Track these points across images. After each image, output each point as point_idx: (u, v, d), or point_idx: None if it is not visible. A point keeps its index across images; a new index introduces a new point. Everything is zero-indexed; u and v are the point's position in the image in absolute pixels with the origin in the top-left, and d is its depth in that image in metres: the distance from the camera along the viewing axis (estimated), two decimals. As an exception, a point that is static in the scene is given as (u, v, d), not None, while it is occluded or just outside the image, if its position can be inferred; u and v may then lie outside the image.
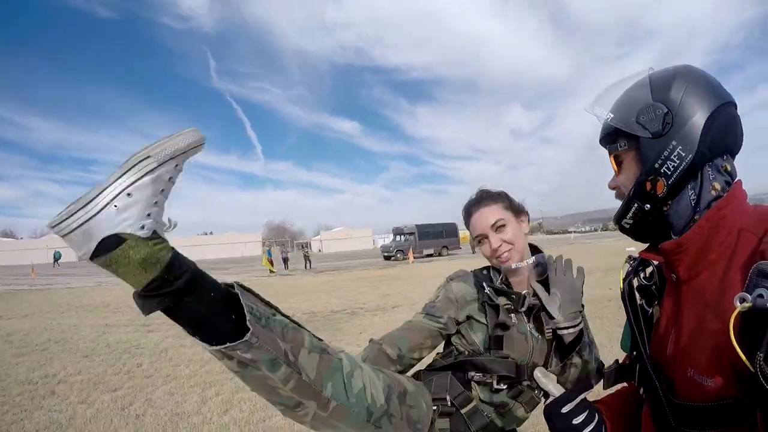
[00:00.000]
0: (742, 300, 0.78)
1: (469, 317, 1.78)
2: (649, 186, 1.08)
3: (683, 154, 1.04)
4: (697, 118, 1.03)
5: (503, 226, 1.73)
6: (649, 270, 1.25)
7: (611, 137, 1.19)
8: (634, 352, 1.21)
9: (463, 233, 42.43)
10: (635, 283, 1.27)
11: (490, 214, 1.74)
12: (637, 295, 1.26)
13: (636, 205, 1.12)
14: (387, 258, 38.32)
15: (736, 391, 0.89)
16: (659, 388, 1.07)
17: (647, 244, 1.21)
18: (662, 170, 1.06)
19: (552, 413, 1.27)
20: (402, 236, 41.05)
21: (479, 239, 1.77)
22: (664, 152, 1.05)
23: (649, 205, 1.10)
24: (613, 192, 1.24)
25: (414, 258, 34.99)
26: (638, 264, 1.27)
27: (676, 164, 1.04)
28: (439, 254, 40.58)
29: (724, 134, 1.05)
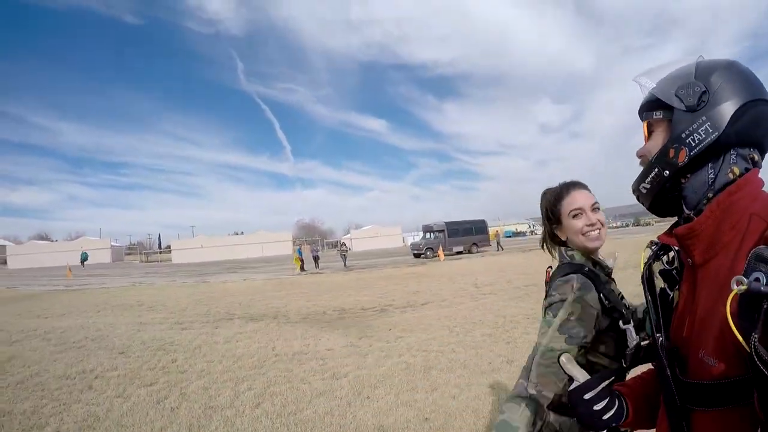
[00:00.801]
0: (739, 283, 0.81)
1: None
2: (672, 153, 1.13)
3: (710, 131, 1.08)
4: (730, 103, 1.07)
5: (599, 209, 1.88)
6: (671, 254, 1.27)
7: (649, 106, 1.22)
8: (655, 336, 1.22)
9: (492, 230, 42.05)
10: (658, 267, 1.29)
11: (591, 196, 1.89)
12: (660, 279, 1.28)
13: (656, 169, 1.16)
14: (417, 256, 37.96)
15: (740, 372, 0.91)
16: (667, 368, 1.10)
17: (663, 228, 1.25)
18: (687, 140, 1.10)
19: (575, 399, 1.31)
20: (432, 234, 40.68)
21: (576, 213, 1.85)
22: (693, 125, 1.10)
23: (668, 172, 1.14)
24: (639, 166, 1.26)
25: (444, 255, 34.85)
26: (659, 249, 1.30)
27: (701, 137, 1.08)
28: (469, 251, 40.13)
29: (754, 126, 1.08)
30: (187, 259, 59.98)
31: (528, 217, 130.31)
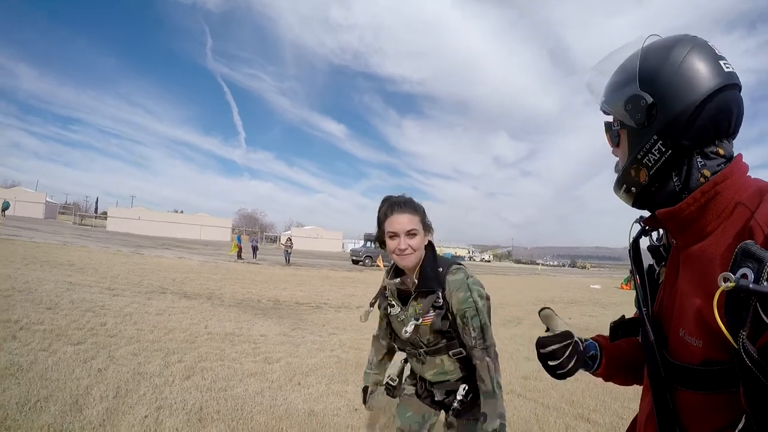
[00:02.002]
0: (726, 279, 0.80)
1: None
2: (633, 173, 1.15)
3: (663, 149, 1.08)
4: (682, 109, 1.04)
5: (415, 234, 2.16)
6: (661, 231, 1.30)
7: (607, 113, 1.26)
8: (641, 310, 1.25)
9: (439, 249, 42.25)
10: (646, 243, 1.32)
11: (409, 221, 2.15)
12: (649, 256, 1.32)
13: (624, 186, 1.19)
14: (355, 262, 37.95)
15: (722, 356, 0.92)
16: (653, 344, 1.13)
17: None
18: (644, 161, 1.12)
19: (539, 347, 1.34)
20: (373, 243, 40.29)
21: (392, 235, 2.16)
22: (646, 144, 1.10)
23: (635, 189, 1.17)
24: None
25: (383, 265, 34.95)
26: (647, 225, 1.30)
27: (656, 158, 1.09)
28: (404, 270, 40.28)
29: (715, 122, 1.05)
30: (123, 228, 58.02)
31: (469, 243, 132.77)
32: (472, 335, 2.06)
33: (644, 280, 1.26)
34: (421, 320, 2.16)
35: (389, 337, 2.53)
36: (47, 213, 63.85)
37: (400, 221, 2.14)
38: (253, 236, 40.92)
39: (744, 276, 0.79)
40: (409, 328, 2.15)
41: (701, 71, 1.05)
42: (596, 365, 1.39)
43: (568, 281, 32.91)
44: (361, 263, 37.45)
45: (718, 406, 0.97)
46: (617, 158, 1.27)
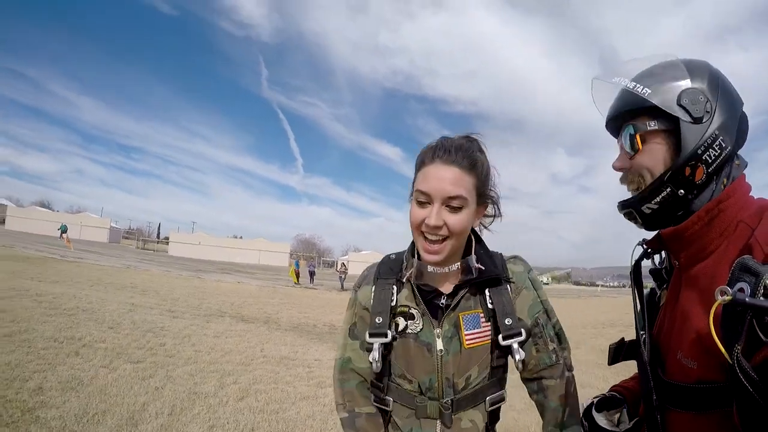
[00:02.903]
0: (723, 293, 0.79)
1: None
2: (688, 171, 1.06)
3: (724, 145, 1.05)
4: (733, 113, 1.07)
5: (460, 208, 1.28)
6: (663, 254, 1.27)
7: (637, 114, 1.14)
8: (638, 332, 1.22)
9: None
10: (649, 266, 1.28)
11: (455, 183, 1.27)
12: (651, 278, 1.29)
13: (669, 189, 1.08)
14: None
15: (717, 377, 0.91)
16: (647, 365, 1.11)
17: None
18: (704, 157, 1.05)
19: None
20: None
21: (422, 201, 1.30)
22: (707, 139, 1.05)
23: (683, 191, 1.08)
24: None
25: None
26: (651, 247, 1.25)
27: (717, 153, 1.05)
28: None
29: (745, 134, 1.09)
30: (184, 253, 59.67)
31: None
32: (551, 348, 1.41)
33: (643, 303, 1.23)
34: (472, 338, 1.35)
35: (381, 387, 1.44)
36: (111, 237, 66.58)
37: (441, 176, 1.26)
38: (310, 261, 41.30)
39: (741, 290, 0.78)
40: (447, 353, 1.33)
41: (734, 89, 1.10)
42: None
43: (628, 302, 31.62)
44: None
45: (709, 427, 0.97)
46: (623, 170, 1.20)
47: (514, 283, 1.41)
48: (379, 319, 1.35)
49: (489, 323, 1.35)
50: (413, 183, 1.35)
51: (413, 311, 1.37)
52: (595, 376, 7.81)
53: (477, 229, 1.47)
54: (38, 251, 24.90)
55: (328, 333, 10.71)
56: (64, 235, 47.92)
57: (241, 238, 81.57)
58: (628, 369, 1.39)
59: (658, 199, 1.10)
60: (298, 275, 30.21)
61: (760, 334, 0.75)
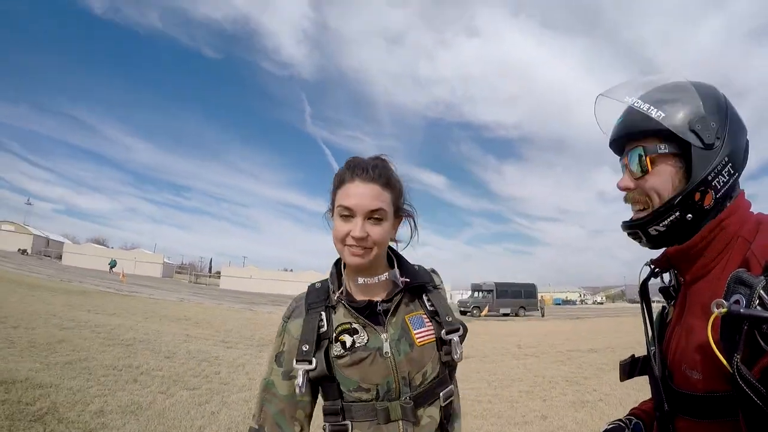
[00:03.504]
0: (719, 306, 0.80)
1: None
2: (698, 197, 1.07)
3: (732, 172, 1.08)
4: (741, 141, 1.10)
5: (380, 220, 1.36)
6: (672, 272, 1.28)
7: (644, 135, 1.15)
8: (649, 348, 1.26)
9: (542, 296, 41.01)
10: (659, 283, 1.30)
11: (376, 198, 1.36)
12: (660, 296, 1.32)
13: (677, 213, 1.09)
14: (463, 313, 36.34)
15: (722, 387, 0.93)
16: (658, 378, 1.14)
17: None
18: (713, 183, 1.06)
19: None
20: (480, 293, 39.85)
21: (344, 213, 1.35)
22: (717, 166, 1.06)
23: (691, 215, 1.09)
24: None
25: (488, 315, 34.10)
26: (658, 267, 1.26)
27: (726, 180, 1.07)
28: (516, 314, 38.82)
29: (746, 160, 1.12)
30: (235, 286, 60.51)
31: (579, 286, 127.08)
32: (458, 345, 1.44)
33: (653, 320, 1.27)
34: (422, 336, 1.41)
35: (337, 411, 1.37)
36: (165, 272, 68.23)
37: (361, 193, 1.34)
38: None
39: (736, 302, 0.81)
40: (399, 353, 1.36)
41: (739, 116, 1.13)
42: None
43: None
44: (468, 313, 36.40)
45: None
46: (630, 189, 1.19)
47: (439, 290, 1.55)
48: (305, 347, 1.36)
49: (431, 322, 1.45)
50: (332, 201, 1.43)
51: (355, 326, 1.40)
52: (649, 395, 7.46)
53: (395, 245, 1.57)
54: (94, 285, 25.73)
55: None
56: (114, 270, 49.58)
57: (291, 271, 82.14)
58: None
59: (666, 222, 1.11)
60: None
61: (762, 343, 0.78)
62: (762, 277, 0.81)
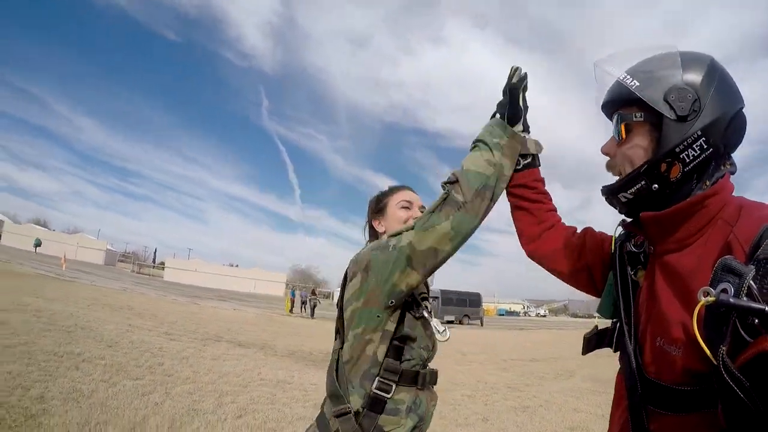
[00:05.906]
0: (706, 294, 0.79)
1: None
2: (664, 167, 1.08)
3: (704, 147, 1.05)
4: (721, 115, 1.05)
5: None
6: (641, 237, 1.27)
7: (626, 103, 1.17)
8: (615, 319, 1.26)
9: (487, 306, 41.07)
10: (627, 248, 1.29)
11: (419, 199, 1.95)
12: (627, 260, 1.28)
13: (644, 182, 1.11)
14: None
15: (702, 366, 0.89)
16: (632, 356, 1.11)
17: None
18: (681, 156, 1.06)
19: None
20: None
21: (404, 205, 1.88)
22: (687, 139, 1.05)
23: (657, 186, 1.10)
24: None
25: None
26: (627, 229, 1.29)
27: (696, 154, 1.05)
28: (460, 322, 39.55)
29: (737, 136, 1.10)
30: (179, 279, 59.08)
31: (524, 298, 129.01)
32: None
33: (627, 288, 1.24)
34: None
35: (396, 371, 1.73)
36: (107, 260, 65.87)
37: (412, 195, 1.93)
38: (303, 290, 41.00)
39: (724, 291, 0.78)
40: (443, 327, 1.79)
41: (734, 87, 1.10)
42: None
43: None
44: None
45: (694, 427, 0.96)
46: (612, 156, 1.23)
47: None
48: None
49: None
50: (386, 198, 1.93)
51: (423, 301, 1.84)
52: (588, 403, 8.04)
53: None
54: (33, 268, 24.88)
55: (324, 360, 10.67)
56: (38, 250, 47.61)
57: (237, 266, 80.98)
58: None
59: (632, 189, 1.13)
60: (293, 304, 30.22)
61: (744, 335, 0.75)
62: (752, 266, 0.79)
